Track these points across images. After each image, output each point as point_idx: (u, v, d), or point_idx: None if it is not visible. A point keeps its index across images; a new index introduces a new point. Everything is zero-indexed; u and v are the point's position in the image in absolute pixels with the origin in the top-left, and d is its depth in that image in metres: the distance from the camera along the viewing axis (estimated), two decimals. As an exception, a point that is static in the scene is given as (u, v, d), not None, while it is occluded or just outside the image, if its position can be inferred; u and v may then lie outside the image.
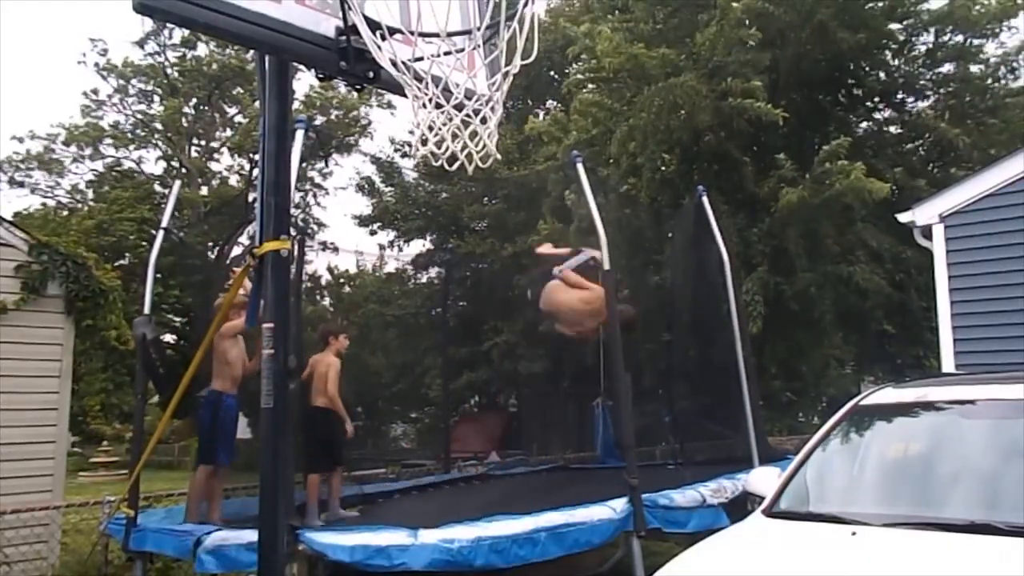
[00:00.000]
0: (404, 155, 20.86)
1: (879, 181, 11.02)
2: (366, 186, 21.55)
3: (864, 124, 14.55)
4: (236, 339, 6.31)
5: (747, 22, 12.11)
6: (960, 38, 13.31)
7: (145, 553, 6.00)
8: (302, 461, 6.85)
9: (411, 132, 19.05)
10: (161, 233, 6.97)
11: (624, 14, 14.29)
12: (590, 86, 14.44)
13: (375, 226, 21.64)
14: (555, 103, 20.12)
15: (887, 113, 14.70)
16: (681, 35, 13.13)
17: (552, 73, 19.75)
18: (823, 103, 14.03)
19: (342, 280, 25.46)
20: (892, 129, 14.65)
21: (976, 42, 13.31)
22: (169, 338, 21.89)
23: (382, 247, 22.57)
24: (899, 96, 14.24)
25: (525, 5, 2.65)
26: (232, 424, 6.33)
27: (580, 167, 6.47)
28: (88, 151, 27.78)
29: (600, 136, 13.67)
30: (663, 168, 13.08)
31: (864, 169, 11.07)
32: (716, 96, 12.11)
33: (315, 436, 6.68)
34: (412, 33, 2.84)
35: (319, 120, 25.92)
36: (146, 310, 6.52)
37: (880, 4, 13.08)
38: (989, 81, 13.50)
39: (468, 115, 2.83)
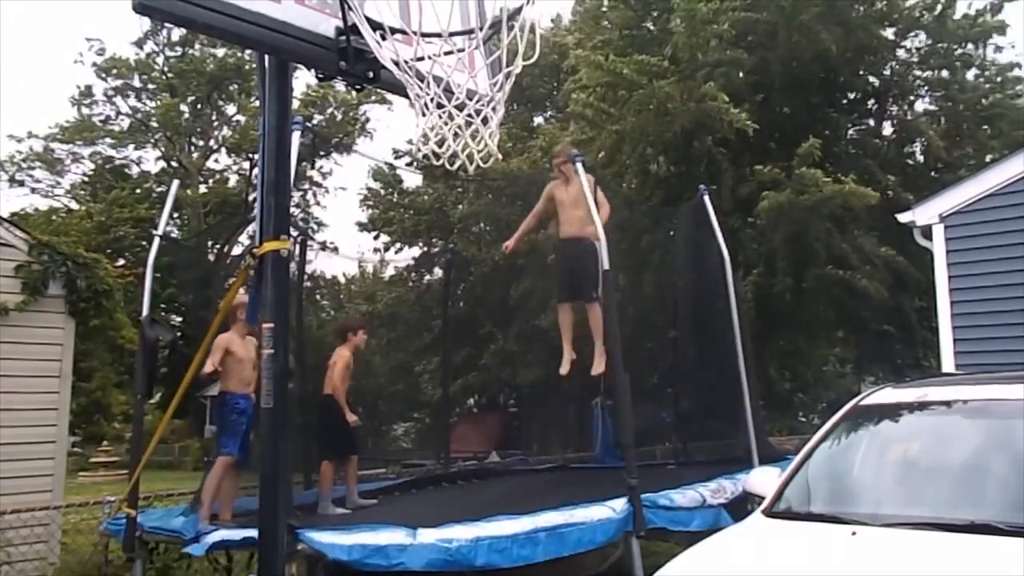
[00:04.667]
0: (410, 163, 20.97)
1: (864, 189, 10.99)
2: (371, 198, 21.76)
3: (854, 127, 14.55)
4: (244, 340, 6.31)
5: (729, 27, 12.07)
6: (951, 45, 13.34)
7: (144, 551, 6.02)
8: (317, 450, 7.15)
9: (410, 142, 19.21)
10: (157, 240, 6.97)
11: (602, 24, 14.34)
12: (583, 96, 14.46)
13: (379, 231, 21.83)
14: (552, 107, 20.21)
15: (880, 117, 14.72)
16: (656, 39, 13.15)
17: (547, 79, 19.86)
18: (815, 105, 14.03)
19: (343, 283, 25.55)
20: (886, 131, 14.66)
21: (969, 48, 13.34)
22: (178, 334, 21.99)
23: (378, 250, 22.73)
24: (892, 99, 14.25)
25: (526, 5, 2.65)
26: (239, 421, 6.28)
27: (580, 166, 6.47)
28: (86, 150, 27.81)
29: (595, 141, 13.69)
30: (657, 170, 13.09)
31: (853, 178, 11.07)
32: (696, 99, 12.10)
33: (326, 425, 6.88)
34: (414, 33, 2.84)
35: (317, 119, 25.95)
36: (144, 313, 6.50)
37: (864, 7, 13.09)
38: (981, 86, 13.53)
39: (469, 115, 2.83)
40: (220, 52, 26.41)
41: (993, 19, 12.99)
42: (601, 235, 6.17)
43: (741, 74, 12.22)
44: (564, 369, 7.13)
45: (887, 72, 13.95)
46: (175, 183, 8.37)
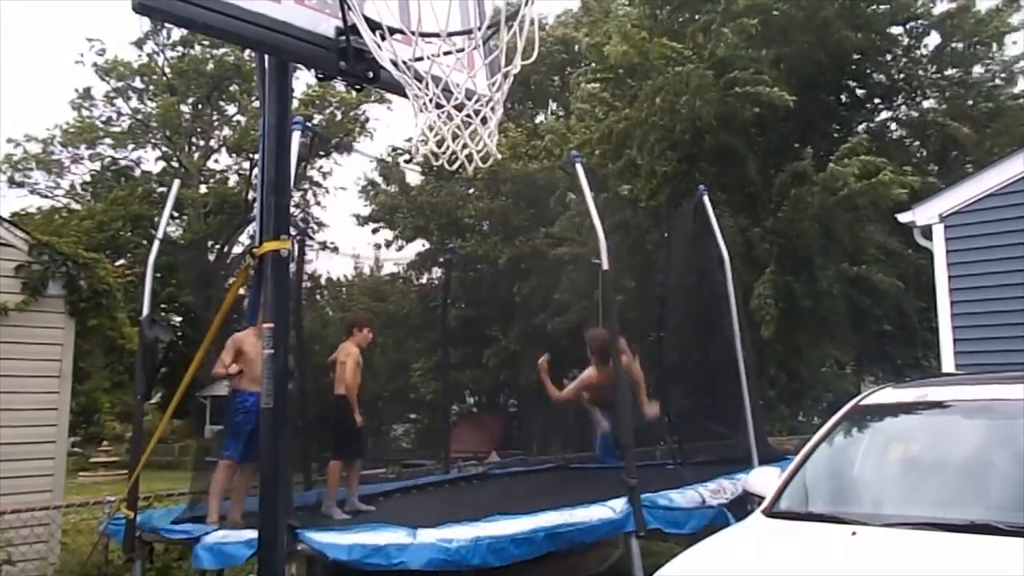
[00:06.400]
0: (409, 160, 20.97)
1: (902, 177, 11.00)
2: (370, 188, 21.65)
3: (866, 124, 14.57)
4: (258, 339, 6.24)
5: (748, 18, 12.11)
6: (961, 44, 13.36)
7: (144, 550, 6.01)
8: (325, 449, 7.11)
9: (408, 140, 19.22)
10: (157, 243, 6.96)
11: (626, 12, 14.34)
12: (595, 85, 14.45)
13: (376, 225, 21.75)
14: (556, 104, 20.21)
15: (889, 114, 14.74)
16: (683, 29, 13.15)
17: (555, 78, 19.86)
18: (826, 103, 14.04)
19: (344, 283, 25.54)
20: (893, 128, 14.67)
21: (979, 48, 13.35)
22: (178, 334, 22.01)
23: (378, 247, 22.69)
24: (902, 98, 14.27)
25: (525, 5, 2.65)
26: (245, 421, 6.23)
27: (579, 167, 6.47)
28: (87, 151, 27.82)
29: (600, 138, 13.69)
30: (665, 168, 13.09)
31: (892, 171, 11.09)
32: (722, 88, 12.10)
33: (336, 425, 6.79)
34: (412, 33, 2.84)
35: (317, 119, 25.95)
36: (145, 313, 6.49)
37: (884, 7, 13.11)
38: (991, 85, 13.54)
39: (468, 115, 2.83)
40: (220, 52, 26.39)
41: (1010, 14, 12.97)
42: (600, 234, 6.16)
43: (760, 66, 12.20)
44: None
45: (895, 70, 13.96)
46: (176, 183, 8.36)
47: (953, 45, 13.45)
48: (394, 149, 22.69)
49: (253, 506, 5.93)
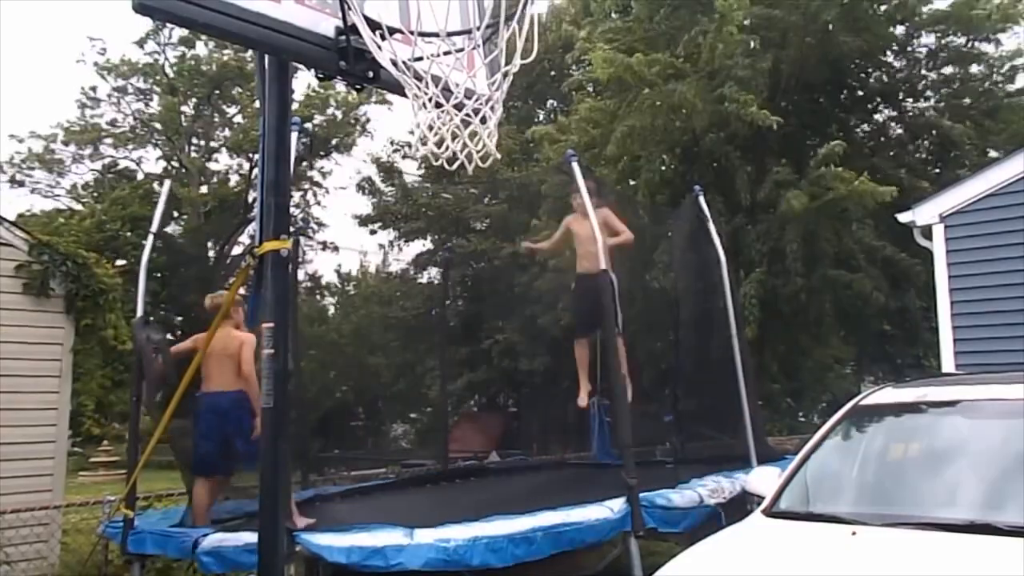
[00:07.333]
0: (405, 156, 20.93)
1: (880, 185, 11.01)
2: (367, 186, 21.57)
3: (865, 126, 14.57)
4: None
5: (748, 23, 12.11)
6: (961, 40, 13.35)
7: (144, 554, 5.99)
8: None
9: (411, 133, 19.07)
10: (151, 239, 6.91)
11: (623, 15, 14.32)
12: (589, 90, 14.47)
13: (376, 226, 21.68)
14: (555, 103, 20.22)
15: (888, 114, 14.73)
16: (680, 36, 13.13)
17: (553, 73, 19.84)
18: (824, 105, 14.03)
19: (342, 283, 25.49)
20: (893, 127, 14.68)
21: (977, 44, 13.34)
22: (169, 337, 21.86)
23: (382, 246, 22.61)
24: (900, 97, 14.26)
25: (525, 5, 2.65)
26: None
27: (575, 165, 6.45)
28: (88, 151, 27.80)
29: (600, 138, 13.68)
30: (663, 168, 13.10)
31: (867, 177, 11.09)
32: (714, 99, 12.10)
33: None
34: (412, 33, 2.84)
35: (318, 119, 25.92)
36: (139, 313, 6.45)
37: (883, 7, 13.09)
38: (989, 83, 13.54)
39: (468, 115, 2.83)
40: (224, 55, 26.36)
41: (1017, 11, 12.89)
42: (598, 234, 6.16)
43: (759, 78, 12.19)
44: (582, 401, 7.54)
45: (895, 69, 13.96)
46: (167, 183, 8.38)
47: (950, 41, 13.43)
48: (393, 142, 22.61)
49: (252, 507, 5.91)
